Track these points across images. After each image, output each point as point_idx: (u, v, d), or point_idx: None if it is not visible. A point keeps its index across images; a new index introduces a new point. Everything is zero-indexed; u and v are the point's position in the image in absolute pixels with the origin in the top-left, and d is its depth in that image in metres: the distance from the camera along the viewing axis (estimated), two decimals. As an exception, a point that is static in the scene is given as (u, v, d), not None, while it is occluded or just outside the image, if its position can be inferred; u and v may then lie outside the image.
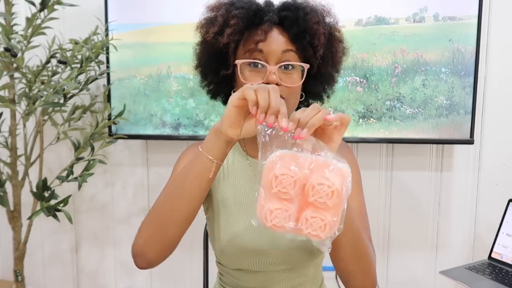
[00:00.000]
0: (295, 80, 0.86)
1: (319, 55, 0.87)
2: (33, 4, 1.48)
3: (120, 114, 1.68)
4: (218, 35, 0.85)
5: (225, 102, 0.98)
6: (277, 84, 0.82)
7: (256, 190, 0.65)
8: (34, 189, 1.53)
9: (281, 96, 0.82)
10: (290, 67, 0.85)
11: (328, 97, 0.98)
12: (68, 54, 1.56)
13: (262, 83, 0.82)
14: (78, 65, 1.56)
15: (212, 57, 0.90)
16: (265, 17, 0.85)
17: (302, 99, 0.93)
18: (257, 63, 0.84)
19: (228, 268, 0.97)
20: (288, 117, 0.89)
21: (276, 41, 0.84)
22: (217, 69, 0.90)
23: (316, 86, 0.94)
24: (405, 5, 1.62)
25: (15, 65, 1.48)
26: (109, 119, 1.68)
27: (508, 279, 1.41)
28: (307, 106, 0.99)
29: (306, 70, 0.86)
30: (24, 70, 1.48)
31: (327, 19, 0.90)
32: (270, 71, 0.83)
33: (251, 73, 0.85)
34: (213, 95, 0.97)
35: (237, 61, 0.85)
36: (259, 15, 0.85)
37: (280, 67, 0.84)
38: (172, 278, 1.92)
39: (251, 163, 0.96)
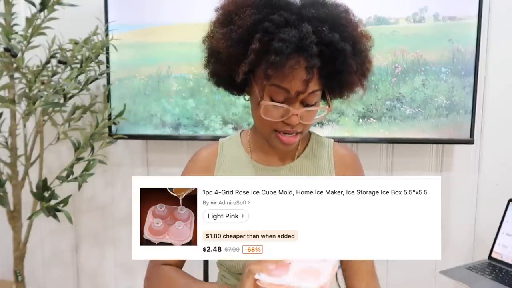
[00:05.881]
0: (314, 115, 0.84)
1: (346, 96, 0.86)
2: (33, 4, 1.48)
3: (120, 114, 1.68)
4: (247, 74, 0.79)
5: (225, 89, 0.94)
6: None
7: None
8: (34, 189, 1.53)
9: (296, 133, 0.82)
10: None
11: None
12: (68, 54, 1.56)
13: (282, 121, 0.80)
14: (78, 65, 1.56)
15: (229, 75, 0.83)
16: (304, 61, 0.75)
17: None
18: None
19: (230, 271, 0.97)
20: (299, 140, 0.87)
21: (305, 83, 0.77)
22: (232, 85, 0.86)
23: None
24: (405, 5, 1.62)
25: (15, 65, 1.48)
26: (109, 119, 1.68)
27: (508, 279, 1.41)
28: None
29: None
30: (24, 70, 1.48)
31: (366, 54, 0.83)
32: (293, 113, 0.79)
33: (272, 110, 0.80)
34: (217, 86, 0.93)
35: (262, 102, 0.80)
36: (297, 54, 0.75)
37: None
38: (172, 278, 1.92)
39: (255, 168, 0.94)
